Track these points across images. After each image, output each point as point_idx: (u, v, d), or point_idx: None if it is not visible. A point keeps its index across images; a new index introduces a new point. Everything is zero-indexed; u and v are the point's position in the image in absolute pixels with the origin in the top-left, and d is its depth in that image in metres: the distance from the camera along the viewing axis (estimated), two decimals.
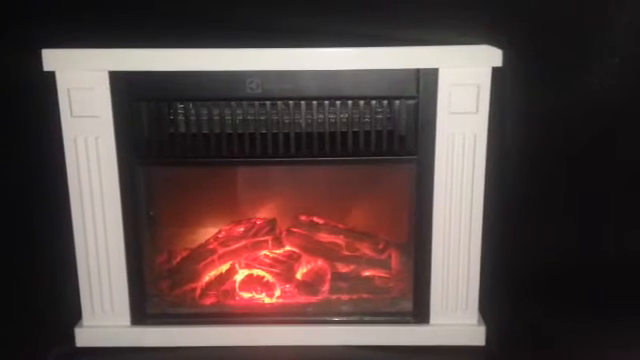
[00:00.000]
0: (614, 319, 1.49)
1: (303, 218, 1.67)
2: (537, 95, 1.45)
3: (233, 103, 1.36)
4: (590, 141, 1.49)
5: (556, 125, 1.48)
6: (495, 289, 1.52)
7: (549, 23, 1.29)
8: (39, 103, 1.45)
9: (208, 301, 1.53)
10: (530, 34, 1.33)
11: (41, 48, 1.31)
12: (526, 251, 1.61)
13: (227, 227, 1.67)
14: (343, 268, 1.61)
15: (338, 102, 1.36)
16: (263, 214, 1.69)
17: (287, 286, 1.55)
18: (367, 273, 1.60)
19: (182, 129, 1.38)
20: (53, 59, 1.32)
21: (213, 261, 1.59)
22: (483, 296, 1.46)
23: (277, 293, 1.55)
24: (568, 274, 1.61)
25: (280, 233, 1.67)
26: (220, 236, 1.65)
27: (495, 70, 1.33)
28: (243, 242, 1.62)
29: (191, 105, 1.36)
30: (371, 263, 1.61)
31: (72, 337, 1.46)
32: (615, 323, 1.48)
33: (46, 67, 1.32)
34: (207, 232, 1.67)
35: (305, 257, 1.63)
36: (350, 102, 1.36)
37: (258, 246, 1.63)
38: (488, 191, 1.40)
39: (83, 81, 1.33)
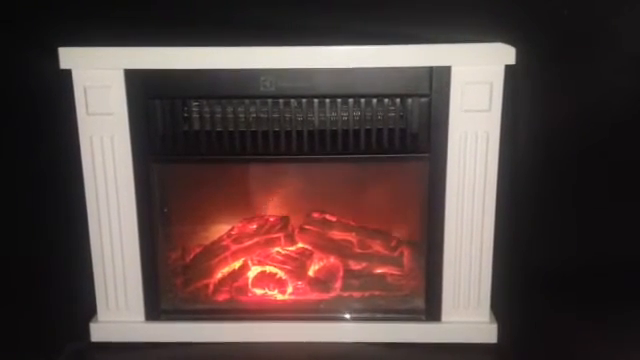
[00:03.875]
0: (627, 318, 1.49)
1: (315, 215, 1.68)
2: (550, 93, 1.45)
3: (247, 101, 1.37)
4: (603, 139, 1.49)
5: (569, 123, 1.47)
6: (507, 287, 1.52)
7: (563, 21, 1.28)
8: (55, 101, 1.46)
9: (221, 297, 1.54)
10: (544, 32, 1.32)
11: (57, 46, 1.33)
12: (538, 249, 1.61)
13: (240, 224, 1.68)
14: (355, 265, 1.61)
15: (351, 100, 1.37)
16: (276, 211, 1.70)
17: (299, 283, 1.56)
18: (379, 270, 1.60)
19: (196, 127, 1.39)
20: (70, 57, 1.33)
21: (226, 258, 1.60)
22: (495, 294, 1.46)
23: (289, 290, 1.56)
24: (581, 272, 1.61)
25: (292, 230, 1.67)
26: (233, 233, 1.66)
27: (508, 68, 1.34)
28: (256, 239, 1.63)
29: (205, 103, 1.38)
30: (383, 260, 1.62)
31: (87, 332, 1.47)
32: (628, 322, 1.48)
33: (63, 65, 1.33)
34: (220, 229, 1.68)
35: (317, 254, 1.63)
36: (363, 100, 1.37)
37: (271, 243, 1.64)
38: (500, 189, 1.40)
39: (99, 79, 1.34)
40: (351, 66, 1.34)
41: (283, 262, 1.59)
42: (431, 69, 1.34)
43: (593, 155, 1.58)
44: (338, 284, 1.56)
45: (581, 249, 1.64)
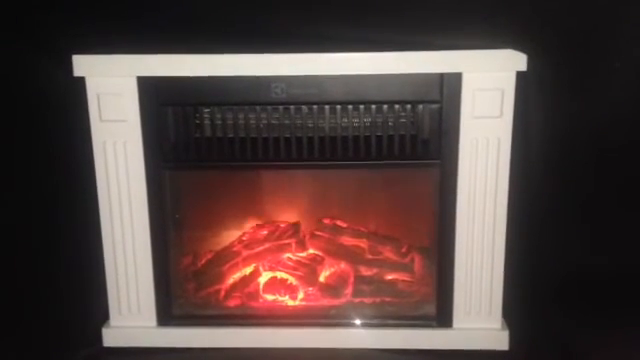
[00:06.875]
0: None
1: (326, 221, 1.68)
2: (562, 99, 1.44)
3: (258, 108, 1.38)
4: (616, 146, 1.48)
5: (581, 129, 1.46)
6: (519, 293, 1.51)
7: (575, 28, 1.28)
8: (67, 108, 1.47)
9: (232, 303, 1.55)
10: (555, 38, 1.32)
11: (70, 54, 1.34)
12: (551, 256, 1.60)
13: (251, 230, 1.69)
14: (366, 271, 1.61)
15: (362, 106, 1.37)
16: (287, 217, 1.71)
17: (310, 289, 1.57)
18: (390, 276, 1.60)
19: (208, 133, 1.40)
20: (83, 65, 1.35)
21: (237, 263, 1.61)
22: (507, 300, 1.45)
23: (300, 296, 1.56)
24: (593, 280, 1.60)
25: (303, 236, 1.68)
26: (244, 239, 1.67)
27: (519, 74, 1.33)
28: (267, 245, 1.64)
29: (217, 109, 1.38)
30: (394, 266, 1.62)
31: (100, 337, 1.48)
32: None
33: (76, 72, 1.35)
34: (231, 235, 1.69)
35: (328, 260, 1.64)
36: (374, 106, 1.37)
37: (282, 249, 1.64)
38: (512, 195, 1.40)
39: (112, 86, 1.36)
40: (362, 73, 1.34)
41: (294, 268, 1.60)
42: (442, 76, 1.34)
43: (607, 161, 1.56)
44: (349, 290, 1.56)
45: (595, 256, 1.63)
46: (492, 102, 1.34)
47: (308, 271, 1.59)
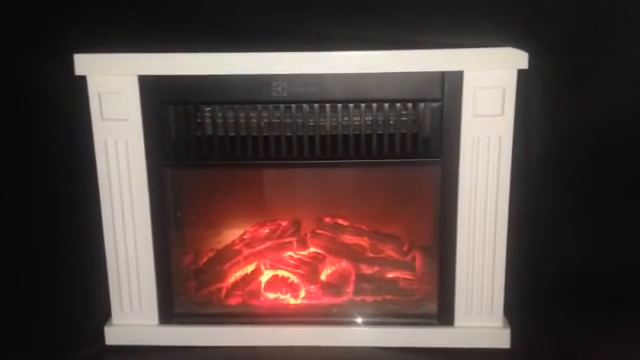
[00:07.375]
0: None
1: (328, 220, 1.68)
2: (563, 98, 1.44)
3: (259, 106, 1.38)
4: (618, 144, 1.47)
5: (582, 128, 1.46)
6: (521, 292, 1.51)
7: (577, 26, 1.28)
8: (68, 107, 1.48)
9: (234, 301, 1.55)
10: (556, 37, 1.32)
11: (69, 53, 1.34)
12: (552, 254, 1.60)
13: (252, 228, 1.69)
14: (367, 270, 1.61)
15: (363, 105, 1.37)
16: (288, 216, 1.71)
17: (312, 287, 1.57)
18: (391, 275, 1.60)
19: (209, 132, 1.40)
20: (84, 63, 1.35)
21: (239, 262, 1.61)
22: (508, 299, 1.45)
23: (302, 294, 1.56)
24: (596, 277, 1.60)
25: (305, 235, 1.68)
26: (245, 237, 1.67)
27: (521, 72, 1.33)
28: (268, 243, 1.64)
29: (218, 108, 1.38)
30: (395, 265, 1.62)
31: (102, 335, 1.49)
32: None
33: (78, 71, 1.35)
34: (233, 233, 1.69)
35: (329, 258, 1.64)
36: (375, 105, 1.37)
37: (283, 247, 1.65)
38: (513, 194, 1.40)
39: (113, 85, 1.36)
40: (363, 71, 1.34)
41: (295, 266, 1.60)
42: (443, 74, 1.34)
43: (609, 159, 1.56)
44: (350, 288, 1.56)
45: (596, 254, 1.63)
46: (493, 100, 1.34)
47: (309, 269, 1.59)
